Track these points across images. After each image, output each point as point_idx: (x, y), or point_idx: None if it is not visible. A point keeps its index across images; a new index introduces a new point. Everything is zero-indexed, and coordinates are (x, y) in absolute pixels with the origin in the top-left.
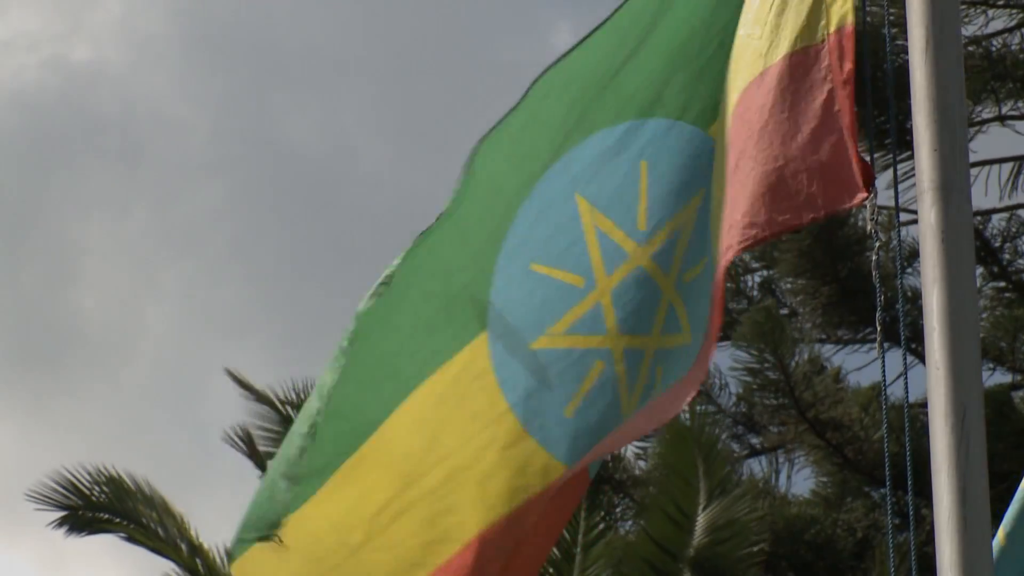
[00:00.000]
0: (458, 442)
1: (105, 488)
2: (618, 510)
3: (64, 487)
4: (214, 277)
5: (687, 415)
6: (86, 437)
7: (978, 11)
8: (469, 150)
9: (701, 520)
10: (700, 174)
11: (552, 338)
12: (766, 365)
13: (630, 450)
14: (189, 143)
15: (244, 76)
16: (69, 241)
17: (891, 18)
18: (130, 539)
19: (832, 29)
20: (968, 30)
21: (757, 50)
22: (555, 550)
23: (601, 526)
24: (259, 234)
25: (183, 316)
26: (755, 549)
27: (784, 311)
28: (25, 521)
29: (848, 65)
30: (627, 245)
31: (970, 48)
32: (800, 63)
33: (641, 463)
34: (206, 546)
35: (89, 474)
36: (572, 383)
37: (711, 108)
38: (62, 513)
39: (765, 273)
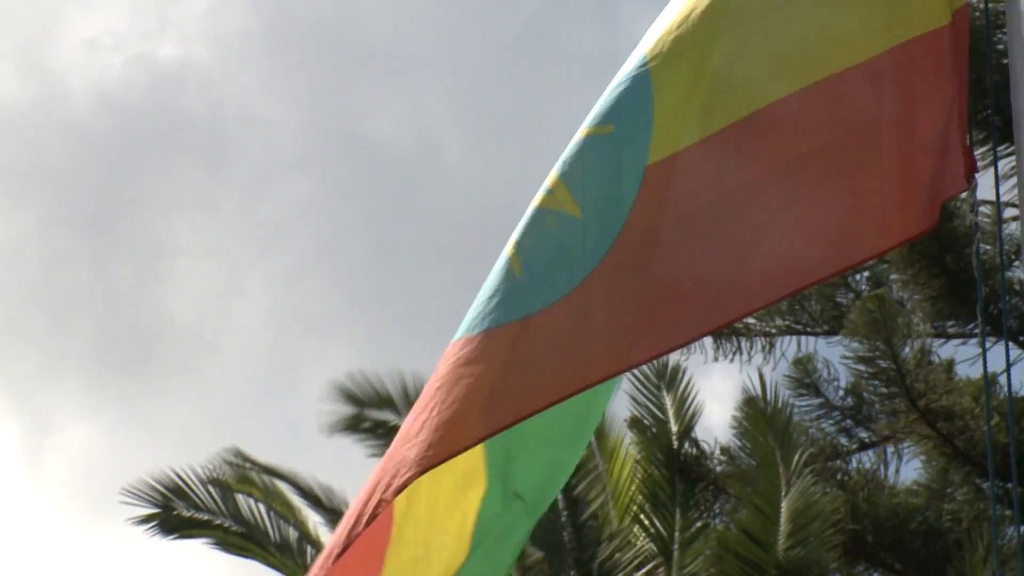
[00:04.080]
0: None
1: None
2: (716, 506)
3: (163, 485)
4: (300, 274)
5: (759, 401)
6: (174, 436)
7: None
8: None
9: (784, 508)
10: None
11: None
12: (877, 353)
13: (734, 443)
14: (275, 139)
15: (329, 72)
16: (156, 239)
17: (989, 8)
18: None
19: (944, 22)
20: None
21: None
22: (652, 547)
23: (698, 523)
24: (345, 230)
25: (270, 313)
26: (835, 535)
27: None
28: (117, 520)
29: (961, 55)
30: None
31: None
32: (908, 54)
33: (744, 455)
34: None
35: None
36: None
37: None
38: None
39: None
